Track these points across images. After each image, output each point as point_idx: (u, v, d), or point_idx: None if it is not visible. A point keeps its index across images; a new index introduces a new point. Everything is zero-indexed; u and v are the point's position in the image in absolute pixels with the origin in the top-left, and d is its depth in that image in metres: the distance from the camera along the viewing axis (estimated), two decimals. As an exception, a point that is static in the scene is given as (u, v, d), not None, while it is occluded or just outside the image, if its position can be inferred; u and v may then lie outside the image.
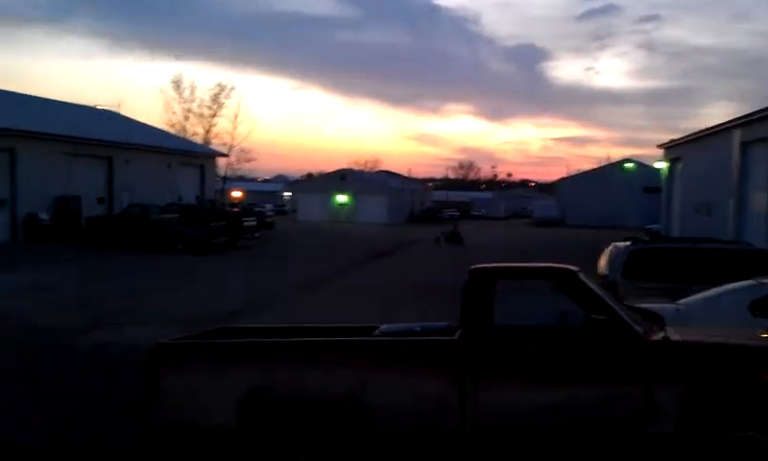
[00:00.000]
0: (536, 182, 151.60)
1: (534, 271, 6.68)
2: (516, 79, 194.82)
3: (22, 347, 11.41)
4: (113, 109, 53.39)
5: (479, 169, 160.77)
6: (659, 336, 5.90)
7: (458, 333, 5.90)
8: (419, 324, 7.14)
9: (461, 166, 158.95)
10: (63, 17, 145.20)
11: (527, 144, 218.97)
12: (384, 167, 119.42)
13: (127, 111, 62.99)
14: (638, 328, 5.84)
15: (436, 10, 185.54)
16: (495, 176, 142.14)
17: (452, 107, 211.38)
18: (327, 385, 5.69)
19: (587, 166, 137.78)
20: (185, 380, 5.85)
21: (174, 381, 5.84)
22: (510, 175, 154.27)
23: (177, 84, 74.18)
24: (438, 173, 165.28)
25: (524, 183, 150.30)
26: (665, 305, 8.52)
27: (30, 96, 41.95)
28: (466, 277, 6.09)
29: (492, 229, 62.68)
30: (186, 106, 73.08)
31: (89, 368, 10.14)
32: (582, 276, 6.18)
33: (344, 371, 5.74)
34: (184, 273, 22.51)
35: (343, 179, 76.25)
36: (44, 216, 30.71)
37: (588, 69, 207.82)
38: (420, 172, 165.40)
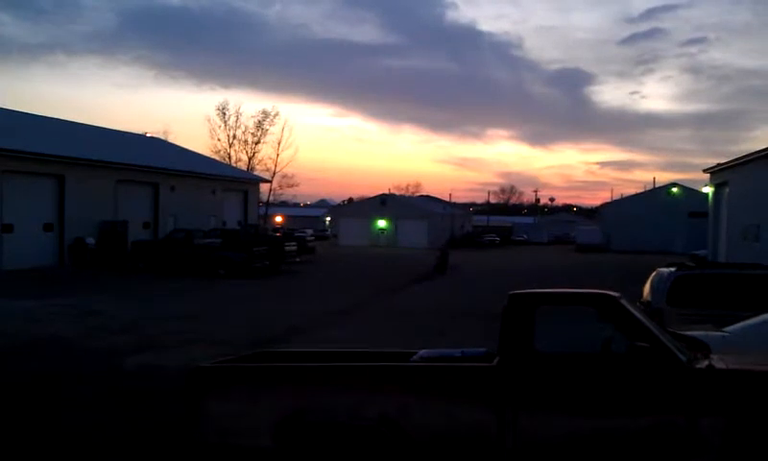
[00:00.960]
0: (579, 208, 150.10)
1: (575, 297, 6.59)
2: (559, 103, 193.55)
3: (71, 370, 11.64)
4: (160, 136, 54.60)
5: (521, 194, 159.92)
6: (703, 364, 5.76)
7: (496, 360, 5.86)
8: (459, 349, 7.09)
9: (502, 191, 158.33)
10: (113, 48, 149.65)
11: (571, 169, 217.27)
12: (425, 192, 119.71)
13: (173, 139, 64.35)
14: (683, 356, 5.72)
15: (479, 35, 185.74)
16: (538, 201, 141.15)
17: (494, 131, 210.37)
18: (364, 411, 5.68)
19: (631, 191, 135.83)
20: (224, 403, 5.92)
21: (213, 404, 5.92)
22: (553, 200, 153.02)
23: (222, 112, 75.88)
24: (479, 198, 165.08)
25: (568, 208, 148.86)
26: (711, 333, 8.33)
27: (79, 124, 43.16)
28: (505, 302, 6.04)
29: (528, 255, 61.99)
30: (231, 133, 74.57)
31: (134, 389, 10.29)
32: (624, 302, 6.09)
33: (380, 396, 5.72)
34: (227, 297, 22.76)
35: (383, 203, 76.49)
36: (91, 240, 31.41)
37: (633, 93, 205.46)
38: (462, 197, 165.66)
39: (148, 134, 53.96)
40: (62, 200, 31.14)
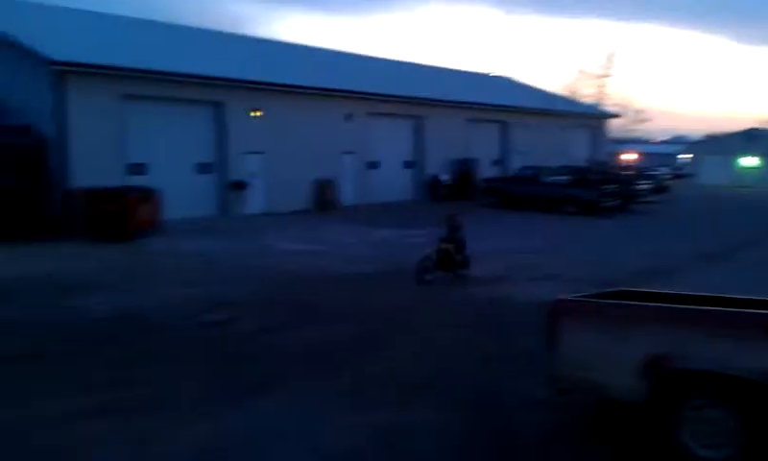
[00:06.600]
0: None
1: None
2: None
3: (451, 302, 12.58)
4: (505, 75, 55.39)
5: None
6: None
7: None
8: None
9: None
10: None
11: None
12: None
13: (517, 75, 64.73)
14: None
15: None
16: None
17: None
18: (738, 361, 5.09)
19: None
20: (584, 337, 5.81)
21: (572, 337, 5.84)
22: None
23: (569, 46, 74.35)
24: None
25: None
26: None
27: (433, 67, 45.63)
28: None
29: None
30: (577, 67, 72.78)
31: (491, 316, 10.77)
32: None
33: (760, 347, 5.06)
34: (576, 234, 22.52)
35: (750, 139, 68.57)
36: (445, 177, 33.47)
37: None
38: None
39: (494, 74, 55.04)
40: (422, 139, 33.51)
